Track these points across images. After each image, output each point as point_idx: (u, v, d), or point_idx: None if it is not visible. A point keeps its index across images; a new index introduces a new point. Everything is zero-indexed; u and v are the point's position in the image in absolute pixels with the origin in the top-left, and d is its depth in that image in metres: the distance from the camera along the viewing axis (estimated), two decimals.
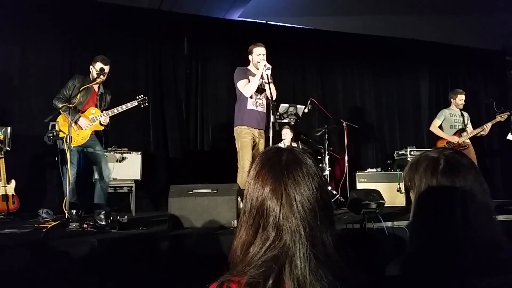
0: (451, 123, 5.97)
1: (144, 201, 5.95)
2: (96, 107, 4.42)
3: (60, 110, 4.12)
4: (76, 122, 4.19)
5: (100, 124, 4.36)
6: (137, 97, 4.57)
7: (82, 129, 4.25)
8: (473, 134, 5.83)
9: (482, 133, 5.80)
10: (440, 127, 6.04)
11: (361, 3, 6.78)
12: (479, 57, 8.34)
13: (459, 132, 5.87)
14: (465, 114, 6.03)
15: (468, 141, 5.87)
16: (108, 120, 4.37)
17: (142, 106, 4.63)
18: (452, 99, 6.09)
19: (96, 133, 4.43)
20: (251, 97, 4.36)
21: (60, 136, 4.06)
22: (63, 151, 4.07)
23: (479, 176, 1.15)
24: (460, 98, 5.99)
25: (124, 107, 4.44)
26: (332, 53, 7.58)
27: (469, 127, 5.96)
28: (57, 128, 4.13)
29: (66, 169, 3.98)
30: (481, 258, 1.03)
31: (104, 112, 4.38)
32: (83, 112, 4.31)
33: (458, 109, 6.01)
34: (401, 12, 7.03)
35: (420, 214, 1.19)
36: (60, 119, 4.19)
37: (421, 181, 1.19)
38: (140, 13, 6.30)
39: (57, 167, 5.10)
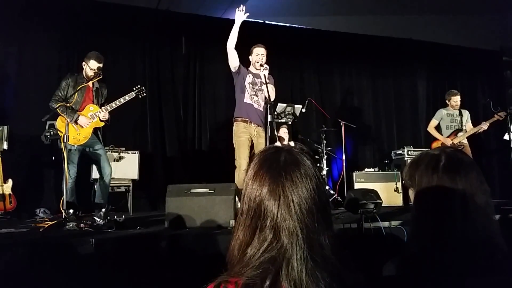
0: (447, 123, 5.98)
1: (141, 201, 5.94)
2: (93, 103, 4.37)
3: (58, 111, 4.09)
4: (76, 122, 4.17)
5: (100, 120, 4.33)
6: (134, 88, 4.52)
7: (83, 127, 4.23)
8: (471, 133, 5.84)
9: (479, 131, 5.80)
10: (438, 127, 6.03)
11: (359, 3, 6.78)
12: (476, 57, 8.37)
13: (455, 133, 5.88)
14: (465, 113, 6.00)
15: (465, 141, 5.87)
16: (107, 115, 4.33)
17: (140, 96, 4.58)
18: (447, 101, 6.09)
19: (95, 131, 4.41)
20: (247, 92, 4.37)
21: (59, 135, 4.05)
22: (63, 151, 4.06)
23: (480, 175, 1.14)
24: (455, 100, 5.98)
25: (122, 100, 4.39)
26: (329, 53, 7.59)
27: (469, 125, 5.94)
28: (57, 127, 4.11)
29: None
30: (479, 258, 1.03)
31: (102, 107, 4.34)
32: (81, 110, 4.28)
33: (457, 109, 5.99)
34: (399, 12, 7.05)
35: (420, 211, 1.19)
36: (59, 119, 4.17)
37: (422, 178, 1.18)
38: (138, 12, 6.29)
39: (54, 166, 5.11)
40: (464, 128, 5.92)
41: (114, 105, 4.35)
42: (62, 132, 4.05)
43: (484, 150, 7.95)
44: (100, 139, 4.44)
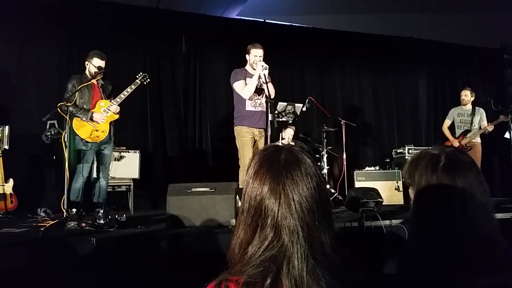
0: (457, 123, 5.99)
1: (142, 200, 5.95)
2: (102, 98, 4.38)
3: (72, 113, 4.09)
4: (91, 119, 4.18)
5: (113, 113, 4.34)
6: (137, 76, 4.52)
7: (99, 123, 4.24)
8: (477, 134, 5.79)
9: (485, 132, 5.76)
10: (452, 127, 6.05)
11: (360, 2, 6.78)
12: (477, 55, 8.35)
13: (463, 134, 5.86)
14: (478, 111, 5.92)
15: (477, 140, 5.82)
16: (118, 108, 4.33)
17: (145, 83, 4.59)
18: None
19: (111, 125, 4.40)
20: (250, 98, 4.35)
21: (60, 135, 4.08)
22: (79, 151, 4.15)
23: (479, 175, 1.14)
24: (461, 94, 5.99)
25: (129, 89, 4.37)
26: (330, 52, 7.58)
27: (484, 124, 5.86)
28: (74, 129, 4.11)
29: (79, 168, 4.14)
30: (479, 257, 1.03)
31: (113, 100, 4.34)
32: (92, 108, 4.28)
33: (469, 108, 5.94)
34: (400, 11, 7.04)
35: (419, 211, 1.19)
36: (75, 120, 4.14)
37: (421, 177, 1.18)
38: (138, 11, 6.29)
39: (55, 166, 5.11)
40: (475, 127, 5.85)
41: (122, 96, 4.34)
42: (78, 135, 4.12)
43: (484, 148, 7.94)
44: (112, 135, 4.45)
